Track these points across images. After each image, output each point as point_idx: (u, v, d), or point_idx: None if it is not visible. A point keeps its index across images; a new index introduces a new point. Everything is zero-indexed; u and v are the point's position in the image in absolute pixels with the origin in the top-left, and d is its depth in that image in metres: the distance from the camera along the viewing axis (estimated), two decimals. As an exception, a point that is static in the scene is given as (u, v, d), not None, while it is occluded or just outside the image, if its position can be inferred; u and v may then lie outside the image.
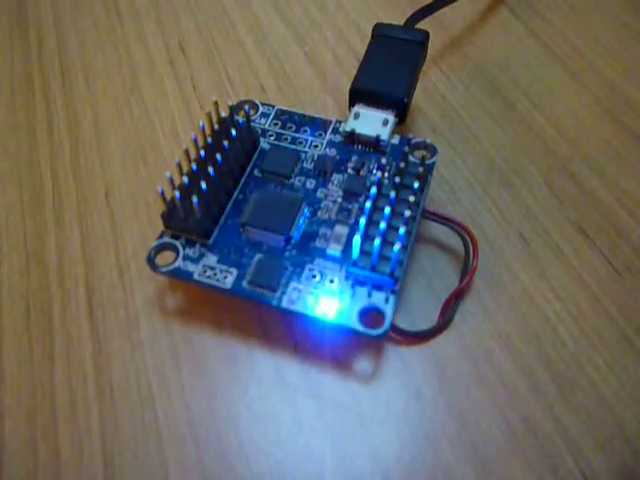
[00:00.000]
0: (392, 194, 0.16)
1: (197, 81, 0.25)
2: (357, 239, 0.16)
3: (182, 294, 0.19)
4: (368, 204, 0.16)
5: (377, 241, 0.16)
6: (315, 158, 0.19)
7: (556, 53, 0.26)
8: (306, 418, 0.17)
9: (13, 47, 0.26)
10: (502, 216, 0.21)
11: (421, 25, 0.24)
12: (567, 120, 0.23)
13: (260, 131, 0.20)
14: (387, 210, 0.16)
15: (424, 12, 0.23)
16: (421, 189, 0.18)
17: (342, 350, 0.18)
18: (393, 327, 0.17)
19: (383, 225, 0.16)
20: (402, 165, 0.17)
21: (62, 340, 0.18)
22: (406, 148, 0.17)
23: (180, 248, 0.18)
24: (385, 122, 0.20)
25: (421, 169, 0.17)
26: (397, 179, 0.17)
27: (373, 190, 0.17)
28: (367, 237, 0.17)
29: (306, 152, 0.20)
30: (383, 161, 0.18)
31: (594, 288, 0.19)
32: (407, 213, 0.16)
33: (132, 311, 0.19)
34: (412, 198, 0.16)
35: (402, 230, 0.16)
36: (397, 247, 0.16)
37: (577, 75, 0.25)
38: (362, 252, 0.16)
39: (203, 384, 0.17)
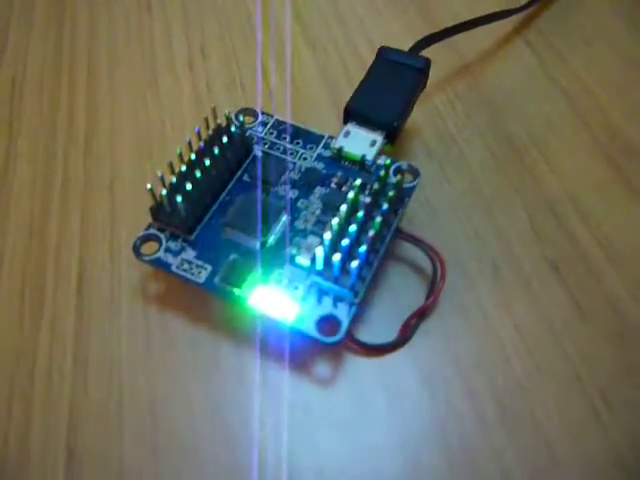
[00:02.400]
0: (360, 213, 0.17)
1: (211, 84, 0.26)
2: (319, 251, 0.17)
3: (164, 283, 0.20)
4: (336, 220, 0.17)
5: (337, 256, 0.17)
6: (302, 170, 0.21)
7: (565, 89, 0.26)
8: (259, 413, 0.18)
9: (48, 32, 0.28)
10: (479, 243, 0.21)
11: (436, 49, 0.25)
12: (562, 158, 0.23)
13: (256, 138, 0.21)
14: (352, 228, 0.17)
15: (431, 39, 0.24)
16: (393, 211, 0.18)
17: (302, 353, 0.19)
18: (351, 338, 0.18)
19: (346, 242, 0.17)
20: (376, 186, 0.18)
21: (50, 311, 0.20)
22: (382, 171, 0.18)
23: (164, 240, 0.19)
24: (373, 143, 0.20)
25: (392, 192, 0.18)
26: (368, 199, 0.18)
27: (343, 207, 0.18)
28: (335, 251, 0.18)
29: (295, 163, 0.21)
30: (359, 181, 0.19)
31: (556, 326, 0.19)
32: (371, 233, 0.17)
33: (116, 293, 0.20)
34: (379, 219, 0.17)
35: (362, 249, 0.17)
36: (355, 264, 0.17)
37: (581, 113, 0.25)
38: (327, 264, 0.17)
39: (169, 367, 0.19)
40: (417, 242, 0.20)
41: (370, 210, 0.18)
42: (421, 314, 0.19)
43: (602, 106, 0.25)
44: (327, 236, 0.17)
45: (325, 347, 0.19)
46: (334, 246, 0.17)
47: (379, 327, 0.19)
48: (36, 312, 0.20)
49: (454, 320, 0.20)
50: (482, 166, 0.23)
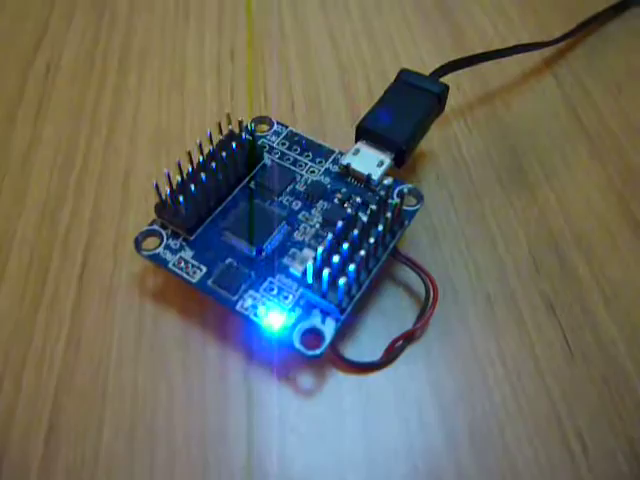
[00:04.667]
0: (355, 232, 0.18)
1: (235, 89, 0.27)
2: (310, 265, 0.17)
3: (162, 278, 0.21)
4: (331, 235, 0.18)
5: (326, 272, 0.17)
6: (309, 182, 0.21)
7: (587, 128, 0.26)
8: (234, 413, 0.18)
9: (88, 24, 0.29)
10: (476, 273, 0.21)
11: (461, 75, 0.25)
12: (573, 196, 0.23)
13: (268, 147, 0.22)
14: (345, 245, 0.17)
15: (453, 65, 0.24)
16: (390, 232, 0.19)
17: (286, 362, 0.19)
18: (336, 353, 0.19)
19: (337, 259, 0.17)
20: (374, 207, 0.18)
21: (51, 291, 0.21)
22: (382, 192, 0.19)
23: (164, 237, 0.20)
24: (380, 163, 0.21)
25: (389, 214, 0.18)
26: (365, 218, 0.18)
27: (339, 223, 0.18)
28: (326, 266, 0.18)
29: (302, 175, 0.21)
30: (359, 199, 0.19)
31: (542, 364, 0.19)
32: (362, 253, 0.17)
33: (115, 282, 0.21)
34: (372, 240, 0.18)
35: (352, 267, 0.17)
36: (343, 281, 0.17)
37: (600, 154, 0.25)
38: (317, 278, 0.18)
39: (154, 361, 0.19)
40: (413, 265, 0.20)
41: (367, 229, 0.18)
42: (408, 337, 0.19)
43: (621, 149, 0.25)
44: (320, 250, 0.17)
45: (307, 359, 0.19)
46: (326, 261, 0.18)
47: (366, 346, 0.20)
48: (38, 291, 0.21)
49: (440, 348, 0.20)
50: (491, 197, 0.23)
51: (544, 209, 0.23)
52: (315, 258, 0.18)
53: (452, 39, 0.30)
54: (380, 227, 0.18)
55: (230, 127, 0.20)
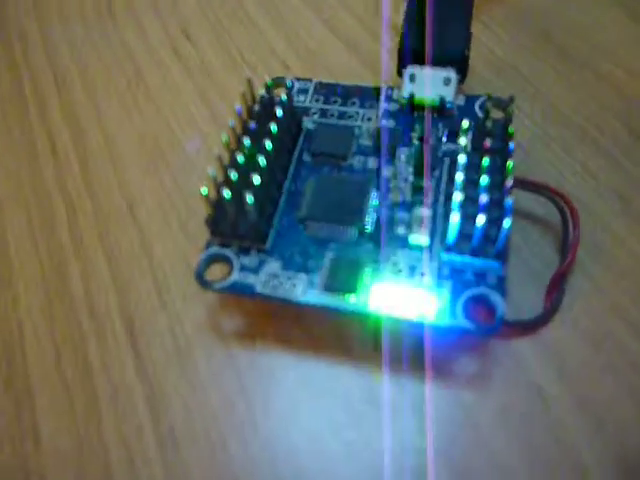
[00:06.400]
0: (486, 161, 0.14)
1: (209, 67, 0.21)
2: (456, 218, 0.13)
3: (238, 311, 0.16)
4: (460, 176, 0.13)
5: (482, 218, 0.13)
6: (372, 132, 0.17)
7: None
8: (410, 440, 0.14)
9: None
10: (591, 175, 0.18)
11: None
12: (637, 62, 0.20)
13: (301, 110, 0.17)
14: (484, 180, 0.13)
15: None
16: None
17: (439, 354, 0.15)
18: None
19: (485, 198, 0.13)
20: (489, 125, 0.14)
21: (105, 384, 0.15)
22: (488, 104, 0.15)
23: (233, 258, 0.15)
24: (447, 81, 0.17)
25: (511, 128, 0.14)
26: (489, 141, 0.14)
27: (461, 158, 0.14)
28: (473, 214, 0.14)
29: (360, 127, 0.17)
30: (466, 123, 0.15)
31: None
32: (509, 182, 0.13)
33: (181, 338, 0.16)
34: (511, 162, 0.14)
35: (509, 201, 0.13)
36: (508, 222, 0.13)
37: (634, 10, 0.22)
38: (462, 234, 0.13)
39: (280, 414, 0.14)
40: (539, 189, 0.16)
41: (493, 156, 0.14)
42: (564, 273, 0.16)
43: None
44: (459, 197, 0.13)
45: (465, 340, 0.15)
46: (467, 209, 0.13)
47: (518, 299, 0.16)
48: (87, 389, 0.15)
49: (601, 269, 0.16)
50: (554, 88, 0.20)
51: (615, 83, 0.20)
52: (459, 210, 0.13)
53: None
54: (512, 144, 0.14)
55: (261, 93, 0.16)
